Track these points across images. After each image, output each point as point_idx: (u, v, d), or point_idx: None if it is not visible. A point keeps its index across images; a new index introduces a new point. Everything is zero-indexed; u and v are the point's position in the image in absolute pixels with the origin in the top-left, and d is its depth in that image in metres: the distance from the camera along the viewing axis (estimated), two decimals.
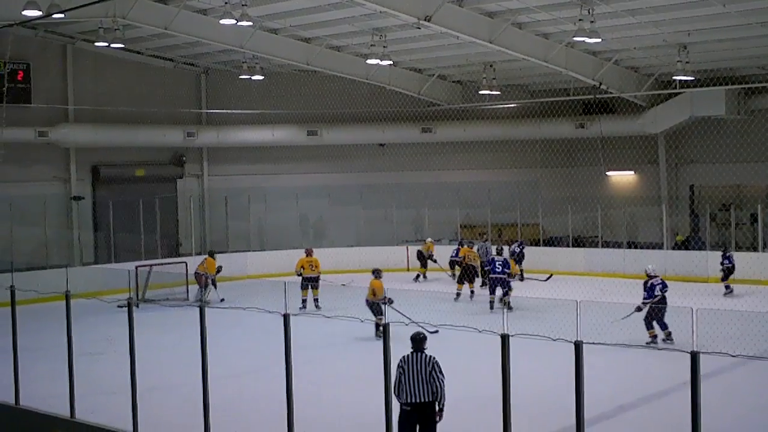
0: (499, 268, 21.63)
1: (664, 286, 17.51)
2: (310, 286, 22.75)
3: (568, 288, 22.34)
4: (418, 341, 9.71)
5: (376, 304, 17.70)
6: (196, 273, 23.89)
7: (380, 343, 9.01)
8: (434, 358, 9.59)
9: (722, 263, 23.80)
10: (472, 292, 23.75)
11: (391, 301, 15.06)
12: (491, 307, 21.35)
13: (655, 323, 17.08)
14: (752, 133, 28.58)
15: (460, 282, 24.13)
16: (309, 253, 23.61)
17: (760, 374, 14.13)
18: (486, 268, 23.82)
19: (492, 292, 21.79)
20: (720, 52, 25.57)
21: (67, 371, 11.79)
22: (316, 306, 22.49)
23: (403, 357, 9.57)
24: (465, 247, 25.83)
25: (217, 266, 23.95)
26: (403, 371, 9.49)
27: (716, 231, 28.87)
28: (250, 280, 25.02)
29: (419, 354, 9.60)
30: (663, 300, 17.29)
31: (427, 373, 9.47)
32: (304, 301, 22.55)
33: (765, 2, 19.89)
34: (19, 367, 12.54)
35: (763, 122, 28.85)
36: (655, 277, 17.67)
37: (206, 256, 24.74)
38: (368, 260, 29.43)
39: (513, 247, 27.44)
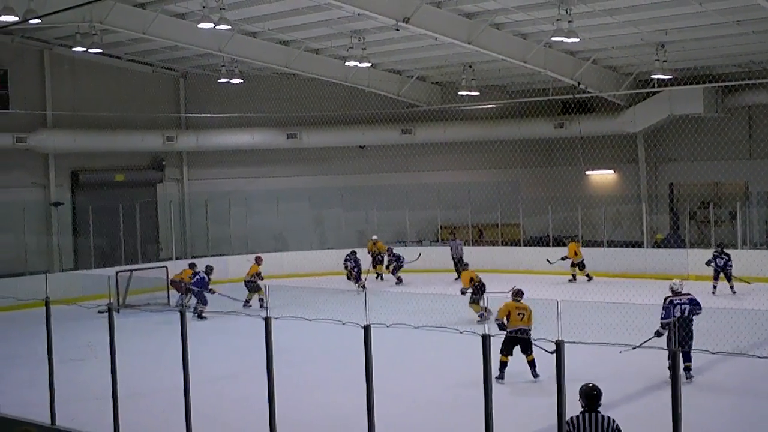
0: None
1: (695, 307, 14.09)
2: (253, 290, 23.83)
3: (548, 287, 22.40)
4: (592, 398, 7.67)
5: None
6: (172, 281, 24.07)
7: (362, 346, 8.98)
8: (614, 421, 7.63)
9: (725, 264, 23.18)
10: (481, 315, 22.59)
11: None
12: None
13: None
14: (730, 130, 28.76)
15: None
16: (258, 262, 24.48)
17: (740, 370, 14.19)
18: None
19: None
20: (697, 50, 25.73)
21: (47, 378, 11.72)
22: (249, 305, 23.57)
23: (572, 419, 7.61)
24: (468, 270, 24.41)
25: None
26: None
27: (696, 229, 29.01)
28: (231, 284, 24.93)
29: (594, 415, 7.63)
30: (685, 324, 13.93)
31: None
32: (247, 301, 23.71)
33: (741, 1, 20.01)
34: None
35: (740, 120, 29.07)
36: (681, 294, 14.28)
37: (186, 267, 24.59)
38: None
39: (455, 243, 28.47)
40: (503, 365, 14.05)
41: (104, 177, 30.93)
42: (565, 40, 21.32)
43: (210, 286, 23.00)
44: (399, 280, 27.62)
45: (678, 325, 13.63)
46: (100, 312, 18.58)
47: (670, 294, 14.29)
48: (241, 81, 29.98)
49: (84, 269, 27.42)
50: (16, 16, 19.10)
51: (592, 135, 30.27)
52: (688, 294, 14.26)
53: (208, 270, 23.45)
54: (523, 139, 32.08)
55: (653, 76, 25.91)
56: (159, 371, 15.36)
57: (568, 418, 7.59)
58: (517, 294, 14.74)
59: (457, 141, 32.63)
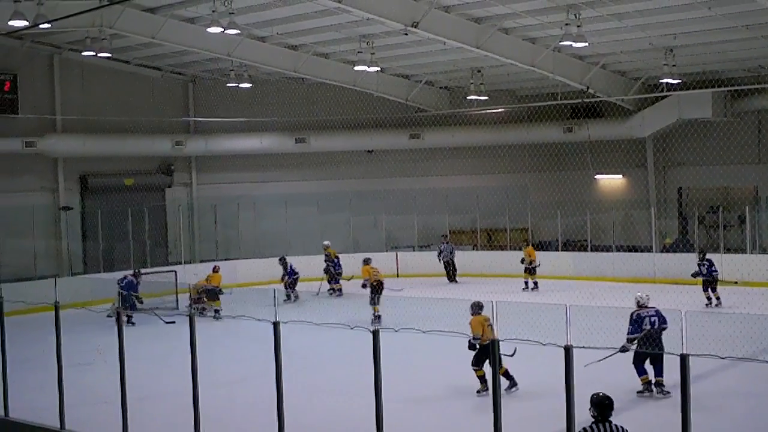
0: None
1: (661, 320, 13.76)
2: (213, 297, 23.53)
3: (557, 292, 22.38)
4: (604, 407, 7.60)
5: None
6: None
7: (371, 351, 8.99)
8: (627, 431, 7.62)
9: (708, 270, 22.32)
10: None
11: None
12: None
13: (648, 366, 13.71)
14: (739, 135, 28.69)
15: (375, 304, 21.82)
16: (216, 270, 24.32)
17: (749, 376, 14.15)
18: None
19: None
20: (706, 55, 25.68)
21: (57, 382, 11.74)
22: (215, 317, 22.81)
23: (584, 430, 7.57)
24: (368, 265, 23.35)
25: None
26: None
27: (704, 233, 28.94)
28: (240, 289, 24.93)
29: (607, 425, 7.56)
30: (654, 335, 13.65)
31: None
32: (216, 310, 23.24)
33: (750, 5, 19.97)
34: (8, 379, 12.49)
35: (749, 124, 29.00)
36: (648, 307, 13.97)
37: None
38: (358, 267, 29.51)
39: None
40: (482, 379, 13.90)
41: (113, 181, 30.98)
42: (574, 44, 21.33)
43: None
44: (335, 291, 26.81)
45: (647, 336, 13.45)
46: (108, 316, 18.71)
47: (635, 307, 13.95)
48: (250, 85, 30.03)
49: (93, 273, 27.49)
50: (27, 20, 19.17)
51: (601, 139, 30.23)
52: (654, 307, 14.01)
53: (137, 273, 23.34)
54: (531, 143, 32.06)
55: (662, 81, 25.87)
56: (168, 375, 15.38)
57: (580, 428, 7.54)
58: (480, 307, 14.16)
59: (466, 145, 32.59)
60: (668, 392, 13.30)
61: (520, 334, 8.78)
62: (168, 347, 17.95)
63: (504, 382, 13.47)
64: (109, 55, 26.29)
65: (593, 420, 7.62)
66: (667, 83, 25.86)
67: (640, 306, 13.92)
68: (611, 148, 30.46)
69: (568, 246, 29.51)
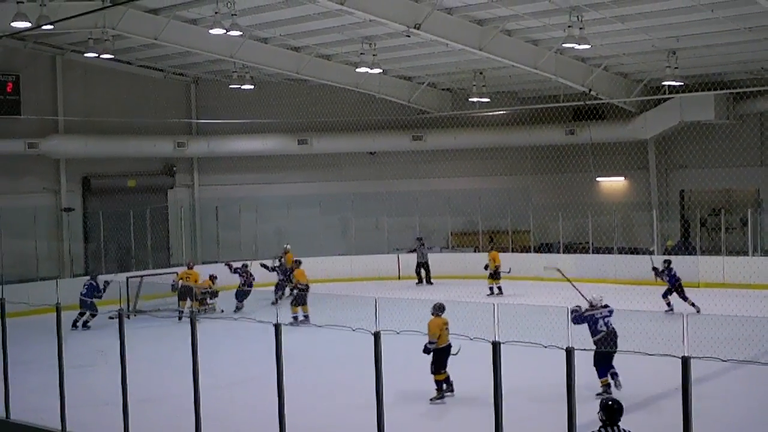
0: None
1: (609, 314, 14.04)
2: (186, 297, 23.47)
3: (558, 295, 22.35)
4: (612, 411, 7.54)
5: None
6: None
7: (372, 353, 8.98)
8: None
9: (667, 273, 21.96)
10: (306, 316, 21.83)
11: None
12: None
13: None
14: (741, 137, 28.68)
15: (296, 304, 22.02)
16: (190, 266, 24.50)
17: (751, 378, 14.14)
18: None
19: None
20: (709, 57, 25.65)
21: (58, 384, 11.75)
22: (180, 317, 22.57)
23: None
24: (300, 269, 23.32)
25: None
26: None
27: (706, 236, 28.92)
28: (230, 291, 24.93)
29: (614, 429, 7.56)
30: (612, 336, 13.89)
31: None
32: (180, 311, 23.11)
33: (753, 8, 19.94)
34: (9, 381, 12.49)
35: (752, 127, 28.99)
36: (601, 307, 14.07)
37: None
38: (360, 269, 29.57)
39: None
40: (440, 384, 13.81)
41: (115, 183, 31.03)
42: (576, 46, 21.31)
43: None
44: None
45: (604, 337, 13.60)
46: (110, 318, 18.70)
47: (589, 308, 14.03)
48: (252, 87, 30.03)
49: (95, 274, 27.49)
50: (29, 22, 19.17)
51: (603, 142, 30.22)
52: (607, 306, 14.12)
53: (94, 277, 23.32)
54: (533, 145, 32.04)
55: (664, 83, 25.87)
56: (169, 377, 15.38)
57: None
58: (440, 309, 14.10)
59: (468, 147, 32.59)
60: (619, 385, 13.47)
61: (522, 336, 8.77)
62: (169, 349, 17.96)
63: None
64: (111, 56, 26.30)
65: (601, 424, 7.61)
66: (669, 85, 25.86)
67: (593, 307, 13.99)
68: (613, 150, 30.44)
69: (570, 248, 29.49)
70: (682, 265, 25.78)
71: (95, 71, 30.12)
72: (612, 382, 13.55)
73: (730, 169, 28.28)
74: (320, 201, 31.47)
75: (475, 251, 30.81)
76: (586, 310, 13.93)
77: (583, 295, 14.18)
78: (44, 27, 20.00)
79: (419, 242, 29.45)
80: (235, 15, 20.80)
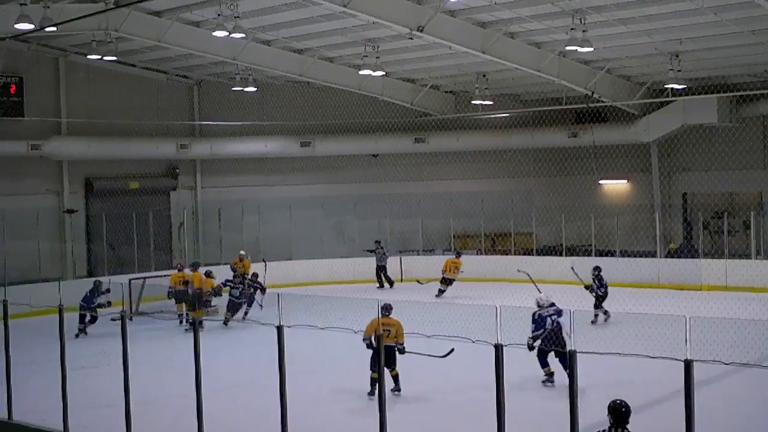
0: None
1: (559, 315, 14.67)
2: (183, 301, 23.09)
3: (561, 297, 22.30)
4: (620, 414, 7.54)
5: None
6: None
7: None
8: None
9: (597, 287, 21.20)
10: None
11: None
12: None
13: (553, 358, 14.45)
14: (744, 140, 28.68)
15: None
16: (180, 269, 23.90)
17: (754, 381, 14.12)
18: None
19: None
20: (712, 60, 25.67)
21: (61, 385, 11.75)
22: (181, 321, 22.43)
23: None
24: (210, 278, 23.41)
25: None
26: None
27: (709, 239, 28.92)
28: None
29: (622, 431, 7.57)
30: (558, 332, 14.55)
31: None
32: (179, 315, 22.75)
33: (756, 11, 19.95)
34: (12, 382, 12.49)
35: (755, 130, 29.00)
36: (547, 307, 14.83)
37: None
38: (362, 271, 29.56)
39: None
40: (374, 381, 13.69)
41: (118, 184, 31.04)
42: (579, 49, 21.31)
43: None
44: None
45: (551, 333, 14.38)
46: (113, 319, 18.71)
47: (536, 308, 14.76)
48: (255, 89, 30.02)
49: (97, 276, 27.48)
50: (33, 24, 19.21)
51: (606, 144, 30.23)
52: (554, 305, 14.86)
53: (97, 283, 22.28)
54: (536, 148, 32.07)
55: (667, 86, 25.88)
56: (172, 379, 15.37)
57: None
58: (385, 309, 14.20)
59: (471, 150, 32.61)
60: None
61: (524, 338, 8.77)
62: (171, 351, 17.97)
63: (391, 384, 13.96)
64: (114, 58, 26.30)
65: (609, 426, 7.60)
66: (672, 88, 25.88)
67: (540, 306, 14.81)
68: (616, 153, 30.44)
69: (573, 251, 29.50)
70: (684, 267, 25.85)
71: (98, 73, 30.14)
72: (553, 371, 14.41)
73: (733, 172, 28.29)
74: (322, 203, 31.48)
75: (477, 254, 30.77)
76: (536, 311, 14.72)
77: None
78: (47, 29, 20.01)
79: (377, 245, 29.43)
80: (238, 17, 20.82)
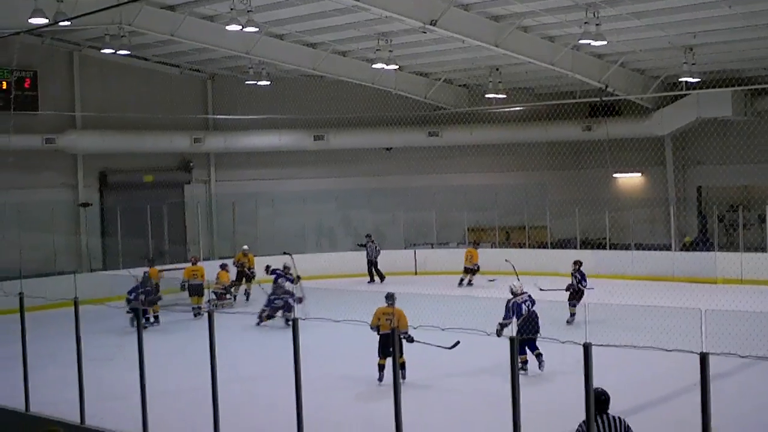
0: None
1: (533, 303, 15.21)
2: (196, 294, 23.66)
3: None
4: (599, 402, 7.75)
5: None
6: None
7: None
8: (625, 421, 7.84)
9: (578, 282, 20.43)
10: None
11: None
12: None
13: (526, 348, 14.42)
14: (759, 134, 28.55)
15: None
16: (194, 262, 24.60)
17: None
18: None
19: None
20: (726, 53, 25.57)
21: (77, 377, 11.81)
22: (196, 314, 22.78)
23: (582, 425, 7.67)
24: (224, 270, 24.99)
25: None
26: None
27: (724, 232, 28.83)
28: (258, 285, 25.00)
29: (605, 416, 7.77)
30: (534, 318, 15.00)
31: None
32: (194, 308, 23.10)
33: None
34: (28, 374, 12.56)
35: None
36: (521, 294, 15.21)
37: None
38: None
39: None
40: (381, 368, 14.57)
41: (132, 178, 31.13)
42: (593, 42, 21.28)
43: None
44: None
45: (526, 320, 14.68)
46: (128, 312, 18.80)
47: (511, 296, 15.16)
48: (269, 83, 30.08)
49: (112, 269, 27.61)
50: (46, 18, 19.29)
51: (620, 138, 30.15)
52: (527, 292, 15.36)
53: (145, 278, 22.44)
54: (550, 141, 32.02)
55: (681, 79, 25.77)
56: (187, 371, 15.44)
57: (579, 423, 7.62)
58: (389, 298, 14.75)
59: (484, 143, 32.57)
60: (543, 362, 14.51)
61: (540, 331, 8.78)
62: (186, 343, 18.04)
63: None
64: (128, 52, 26.34)
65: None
66: (686, 82, 25.76)
67: (514, 294, 15.19)
68: (630, 146, 30.39)
69: (587, 244, 29.44)
70: (699, 261, 25.82)
71: (112, 67, 30.22)
72: (537, 362, 14.51)
73: (747, 165, 28.17)
74: (336, 196, 31.50)
75: (491, 247, 30.76)
76: (510, 299, 15.10)
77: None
78: (61, 23, 20.07)
79: (368, 239, 29.43)
80: (251, 11, 20.85)
